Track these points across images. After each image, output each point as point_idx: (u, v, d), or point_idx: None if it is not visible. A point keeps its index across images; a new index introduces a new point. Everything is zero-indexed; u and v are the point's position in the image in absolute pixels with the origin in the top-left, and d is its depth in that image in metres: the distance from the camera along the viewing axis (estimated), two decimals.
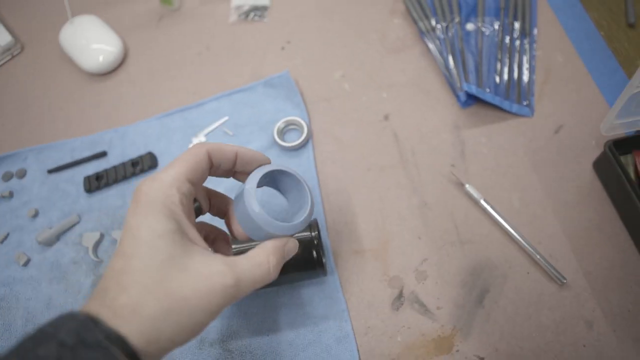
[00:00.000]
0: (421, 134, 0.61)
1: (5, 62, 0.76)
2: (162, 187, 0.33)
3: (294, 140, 0.60)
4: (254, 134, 0.63)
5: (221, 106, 0.66)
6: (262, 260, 0.35)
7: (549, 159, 0.58)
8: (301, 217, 0.39)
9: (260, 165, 0.40)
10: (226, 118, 0.65)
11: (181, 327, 0.30)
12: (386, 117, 0.62)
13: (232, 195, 0.43)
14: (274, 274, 0.36)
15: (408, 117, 0.62)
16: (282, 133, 0.62)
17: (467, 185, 0.56)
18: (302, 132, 0.61)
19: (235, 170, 0.40)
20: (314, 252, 0.48)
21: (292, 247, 0.39)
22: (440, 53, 0.64)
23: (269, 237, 0.38)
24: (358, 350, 0.50)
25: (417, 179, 0.58)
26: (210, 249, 0.35)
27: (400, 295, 0.52)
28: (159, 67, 0.72)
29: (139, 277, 0.30)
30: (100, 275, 0.57)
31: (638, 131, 0.53)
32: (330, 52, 0.69)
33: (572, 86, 0.62)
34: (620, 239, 0.53)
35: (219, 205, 0.43)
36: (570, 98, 0.61)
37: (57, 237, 0.60)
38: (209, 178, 0.39)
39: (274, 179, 0.43)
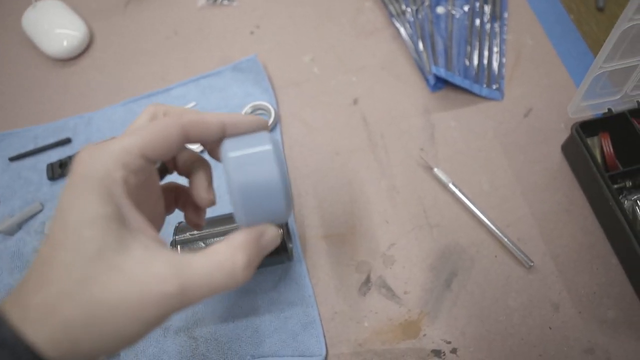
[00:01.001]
0: (391, 118, 0.60)
1: None
2: (105, 159, 0.26)
3: None
4: None
5: (189, 91, 0.64)
6: (224, 259, 0.27)
7: (518, 143, 0.57)
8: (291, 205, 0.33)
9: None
10: (194, 103, 0.63)
11: (105, 339, 0.25)
12: (355, 101, 0.61)
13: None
14: (242, 277, 0.28)
15: (377, 101, 0.61)
16: None
17: (435, 169, 0.55)
18: (269, 117, 0.60)
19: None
20: (279, 237, 0.47)
21: (272, 236, 0.31)
22: (410, 37, 0.63)
23: (258, 221, 0.30)
24: (324, 336, 0.49)
25: (386, 163, 0.57)
26: (158, 242, 0.28)
27: (367, 280, 0.51)
28: (126, 52, 0.70)
29: (61, 273, 0.25)
30: None
31: (605, 113, 0.53)
32: (300, 35, 0.68)
33: (542, 70, 0.61)
34: (588, 222, 0.53)
35: (187, 162, 0.35)
36: (540, 81, 0.61)
37: (19, 225, 0.58)
38: None
39: None
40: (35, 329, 0.24)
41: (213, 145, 0.33)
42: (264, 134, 0.31)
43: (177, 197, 0.37)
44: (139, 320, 0.25)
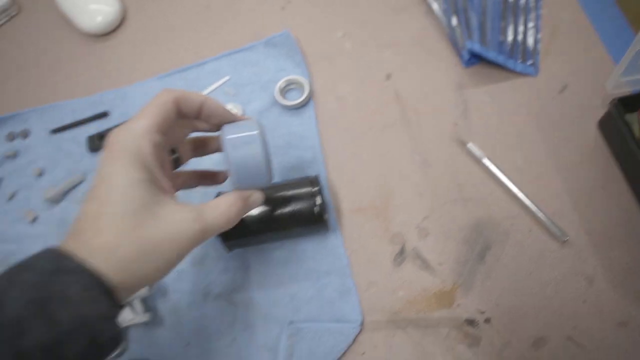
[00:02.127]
0: (423, 94, 0.60)
1: (3, 23, 0.75)
2: (135, 137, 0.35)
3: (295, 99, 0.60)
4: (255, 93, 0.63)
5: (222, 66, 0.65)
6: (223, 210, 0.38)
7: (553, 119, 0.57)
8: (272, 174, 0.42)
9: (224, 118, 0.42)
10: (227, 77, 0.64)
11: (153, 268, 0.34)
12: (388, 77, 0.62)
13: None
14: (233, 222, 0.39)
15: (410, 76, 0.61)
16: (283, 92, 0.61)
17: (469, 144, 0.55)
18: (303, 91, 0.60)
19: (202, 119, 0.41)
20: (315, 207, 0.48)
21: (256, 198, 0.42)
22: (444, 12, 0.63)
23: (247, 186, 0.41)
24: (360, 305, 0.50)
25: (418, 138, 0.58)
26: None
27: (402, 252, 0.52)
28: (159, 27, 0.71)
29: (115, 222, 0.33)
30: None
31: None
32: (332, 11, 0.68)
33: (578, 45, 0.61)
34: (624, 199, 0.53)
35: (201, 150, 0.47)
36: (576, 57, 0.60)
37: (63, 194, 0.61)
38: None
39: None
40: (101, 263, 0.31)
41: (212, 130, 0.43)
42: (253, 122, 0.41)
43: (201, 177, 0.48)
44: (174, 252, 0.35)
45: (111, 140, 0.35)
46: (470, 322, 0.49)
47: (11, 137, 0.66)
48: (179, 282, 0.54)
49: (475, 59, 0.60)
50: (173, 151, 0.44)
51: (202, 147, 0.46)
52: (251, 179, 0.41)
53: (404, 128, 0.58)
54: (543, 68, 0.60)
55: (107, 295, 0.31)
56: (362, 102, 0.61)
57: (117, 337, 0.33)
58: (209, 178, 0.48)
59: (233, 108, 0.61)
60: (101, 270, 0.31)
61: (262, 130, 0.41)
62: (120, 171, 0.33)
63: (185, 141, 0.45)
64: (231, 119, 0.42)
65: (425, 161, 0.56)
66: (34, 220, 0.60)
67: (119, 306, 0.33)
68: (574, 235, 0.51)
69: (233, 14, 0.70)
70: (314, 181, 0.50)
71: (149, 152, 0.35)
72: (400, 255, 0.52)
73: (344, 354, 0.49)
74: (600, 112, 0.55)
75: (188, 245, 0.35)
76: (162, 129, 0.37)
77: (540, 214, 0.52)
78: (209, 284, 0.54)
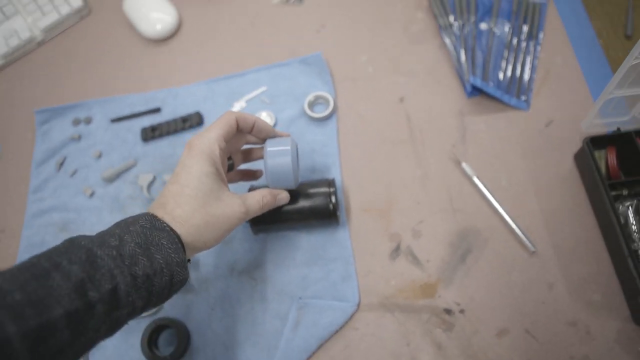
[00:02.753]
0: (430, 117, 0.71)
1: (76, 23, 0.87)
2: (209, 142, 0.48)
3: (321, 112, 0.71)
4: (288, 103, 0.74)
5: (261, 77, 0.76)
6: (258, 199, 0.52)
7: (537, 148, 0.67)
8: (298, 180, 0.57)
9: (269, 134, 0.56)
10: (264, 88, 0.75)
11: (212, 235, 0.47)
12: (402, 100, 0.72)
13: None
14: (264, 209, 0.53)
15: (420, 101, 0.72)
16: (311, 105, 0.72)
17: (463, 164, 0.66)
18: (328, 106, 0.71)
19: (252, 134, 0.55)
20: (330, 205, 0.59)
21: (284, 197, 0.57)
22: (455, 47, 0.73)
23: (277, 186, 0.56)
24: (359, 288, 0.61)
25: (422, 154, 0.68)
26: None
27: (397, 248, 0.63)
28: (208, 38, 0.82)
29: (190, 200, 0.46)
30: None
31: (614, 131, 0.62)
32: (359, 37, 0.78)
33: (567, 87, 0.71)
34: (587, 221, 0.63)
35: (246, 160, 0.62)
36: (564, 97, 0.70)
37: (117, 175, 0.72)
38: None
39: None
40: (178, 227, 0.45)
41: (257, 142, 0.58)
42: (288, 140, 0.54)
43: (243, 174, 0.62)
44: (227, 225, 0.48)
45: (192, 142, 0.49)
46: (448, 311, 0.60)
47: (77, 122, 0.77)
48: (210, 257, 0.65)
49: (477, 91, 0.71)
50: (229, 158, 0.57)
51: (249, 155, 0.61)
52: (281, 182, 0.55)
53: (410, 145, 0.69)
54: (534, 104, 0.70)
55: (182, 250, 0.44)
56: (377, 120, 0.71)
57: (185, 279, 0.45)
58: (249, 175, 0.63)
59: (267, 116, 0.72)
60: (179, 231, 0.44)
61: (294, 147, 0.55)
62: (198, 164, 0.47)
63: (239, 151, 0.59)
64: (274, 135, 0.56)
65: (425, 175, 0.67)
66: (92, 195, 0.72)
67: (188, 259, 0.46)
68: (541, 248, 0.61)
69: (274, 32, 0.81)
70: (331, 183, 0.61)
71: (217, 154, 0.48)
72: (396, 251, 0.63)
73: (341, 327, 0.60)
74: (578, 146, 0.65)
75: (236, 222, 0.49)
76: (226, 138, 0.50)
77: (515, 227, 0.62)
78: (235, 261, 0.65)
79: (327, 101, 0.72)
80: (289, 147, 0.54)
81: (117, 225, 0.44)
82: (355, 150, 0.70)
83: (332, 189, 0.60)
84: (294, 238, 0.65)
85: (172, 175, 0.48)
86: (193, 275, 0.65)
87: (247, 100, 0.75)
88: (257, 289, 0.63)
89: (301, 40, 0.79)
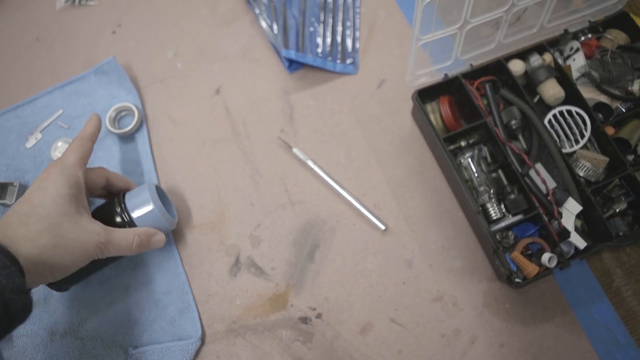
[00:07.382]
0: (251, 104, 0.62)
1: None
2: (71, 165, 0.46)
3: (127, 126, 0.60)
4: None
5: (54, 99, 0.65)
6: (129, 237, 0.48)
7: (372, 113, 0.61)
8: (173, 217, 0.54)
9: (125, 186, 0.54)
10: (60, 111, 0.64)
11: (62, 259, 0.42)
12: (218, 91, 0.63)
13: None
14: (134, 250, 0.48)
15: (239, 88, 0.63)
16: (115, 121, 0.62)
17: (294, 149, 0.58)
18: (134, 117, 0.61)
19: (106, 189, 0.53)
20: (125, 219, 0.50)
21: (159, 239, 0.51)
22: (266, 19, 0.65)
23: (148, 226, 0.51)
24: (200, 318, 0.53)
25: (249, 149, 0.60)
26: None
27: (237, 262, 0.55)
28: None
29: (40, 219, 0.42)
30: None
31: (443, 78, 0.56)
32: (162, 30, 0.68)
33: (394, 40, 0.65)
34: (437, 181, 0.57)
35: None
36: (392, 52, 0.64)
37: None
38: None
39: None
40: (19, 247, 0.40)
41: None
42: (145, 187, 0.51)
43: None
44: (82, 253, 0.44)
45: (52, 164, 0.46)
46: (304, 320, 0.52)
47: None
48: (24, 326, 0.54)
49: (298, 64, 0.63)
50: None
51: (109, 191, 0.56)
52: (154, 226, 0.51)
53: (234, 141, 0.60)
54: (362, 65, 0.63)
55: (19, 274, 0.38)
56: (193, 120, 0.62)
57: (27, 308, 0.39)
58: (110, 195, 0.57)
59: (64, 143, 0.61)
60: (20, 252, 0.39)
61: (153, 191, 0.51)
62: (54, 185, 0.44)
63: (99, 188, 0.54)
64: (129, 187, 0.54)
65: (256, 171, 0.59)
66: None
67: (29, 287, 0.40)
68: (393, 223, 0.55)
69: (64, 43, 0.69)
70: (120, 199, 0.51)
71: (80, 177, 0.47)
72: (236, 266, 0.55)
73: None
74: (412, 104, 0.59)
75: (92, 250, 0.45)
76: (82, 167, 0.48)
77: (361, 208, 0.55)
78: (54, 323, 0.54)
79: (131, 112, 0.62)
80: (148, 194, 0.50)
81: None
82: (175, 161, 0.60)
83: (122, 205, 0.50)
84: (117, 277, 0.55)
85: (22, 198, 0.44)
86: (6, 353, 0.53)
87: (43, 130, 0.63)
88: (85, 349, 0.53)
89: (97, 47, 0.68)
